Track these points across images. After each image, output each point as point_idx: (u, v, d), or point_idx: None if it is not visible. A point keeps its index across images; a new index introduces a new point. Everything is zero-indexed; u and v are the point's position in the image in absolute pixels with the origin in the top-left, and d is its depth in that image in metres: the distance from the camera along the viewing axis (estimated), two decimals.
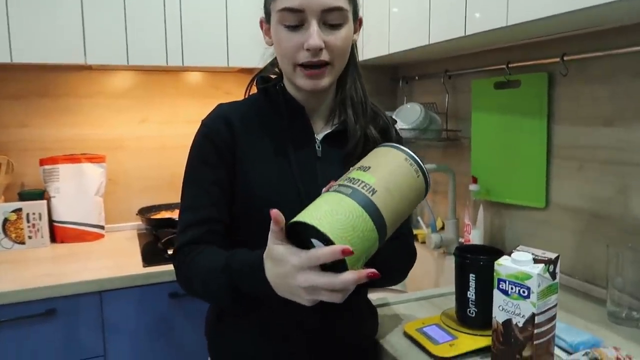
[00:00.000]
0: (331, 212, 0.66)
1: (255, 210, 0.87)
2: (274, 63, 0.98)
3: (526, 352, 0.85)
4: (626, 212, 1.19)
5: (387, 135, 0.97)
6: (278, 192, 0.87)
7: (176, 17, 1.77)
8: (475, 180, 1.56)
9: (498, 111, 1.54)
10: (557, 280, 0.88)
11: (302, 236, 0.68)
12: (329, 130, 0.93)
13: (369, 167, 0.72)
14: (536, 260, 0.86)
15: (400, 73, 2.07)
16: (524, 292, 0.84)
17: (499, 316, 0.88)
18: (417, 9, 1.42)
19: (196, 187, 0.89)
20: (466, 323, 1.02)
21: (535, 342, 0.85)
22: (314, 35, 0.82)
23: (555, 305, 0.88)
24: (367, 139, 0.93)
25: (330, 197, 0.69)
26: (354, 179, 0.71)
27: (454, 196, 1.64)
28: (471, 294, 0.99)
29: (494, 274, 0.88)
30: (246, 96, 0.99)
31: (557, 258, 0.88)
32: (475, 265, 0.98)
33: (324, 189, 0.75)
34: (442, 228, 1.80)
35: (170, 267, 1.57)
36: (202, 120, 0.92)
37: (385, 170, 0.72)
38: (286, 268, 0.67)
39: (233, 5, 1.85)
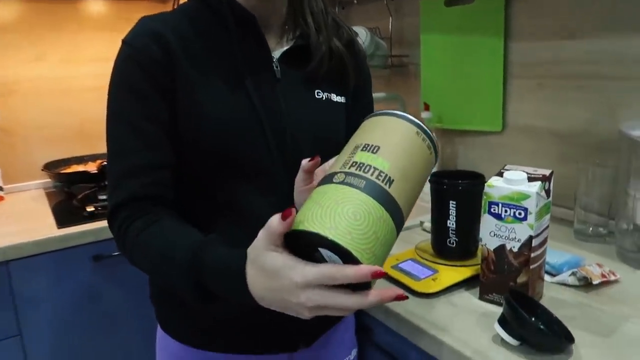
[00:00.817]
0: (347, 215, 0.48)
1: (208, 151, 0.69)
2: None
3: (521, 279, 0.78)
4: (589, 128, 1.15)
5: (353, 49, 0.82)
6: (236, 125, 0.70)
7: None
8: (427, 107, 1.47)
9: (449, 31, 1.43)
10: (550, 198, 0.80)
11: (303, 241, 0.50)
12: (286, 47, 0.75)
13: (378, 147, 0.54)
14: (530, 179, 0.77)
15: None
16: (520, 214, 0.76)
17: (490, 243, 0.80)
18: None
19: (125, 126, 0.69)
20: (445, 255, 0.93)
21: (531, 267, 0.77)
22: None
23: (548, 226, 0.81)
24: (331, 54, 0.77)
25: (341, 193, 0.50)
26: (362, 164, 0.53)
27: None
28: (451, 222, 0.90)
29: (484, 197, 0.79)
30: (175, 6, 0.78)
31: (551, 174, 0.80)
32: (455, 190, 0.89)
33: (317, 170, 0.62)
34: None
35: (92, 225, 1.35)
36: (124, 40, 0.70)
37: (398, 151, 0.54)
38: (284, 283, 0.51)
39: None
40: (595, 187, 1.06)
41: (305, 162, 0.61)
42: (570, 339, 0.68)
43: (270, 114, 0.71)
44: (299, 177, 0.63)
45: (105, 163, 0.72)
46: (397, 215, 0.52)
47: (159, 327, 0.82)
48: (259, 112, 0.70)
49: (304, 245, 0.50)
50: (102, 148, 1.90)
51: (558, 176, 1.23)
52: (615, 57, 1.08)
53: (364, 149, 0.54)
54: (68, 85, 1.82)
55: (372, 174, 0.52)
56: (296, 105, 0.74)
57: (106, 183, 0.75)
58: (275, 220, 0.50)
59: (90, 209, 1.40)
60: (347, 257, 0.48)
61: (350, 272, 0.47)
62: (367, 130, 0.57)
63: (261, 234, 0.52)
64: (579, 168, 1.08)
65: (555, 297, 0.84)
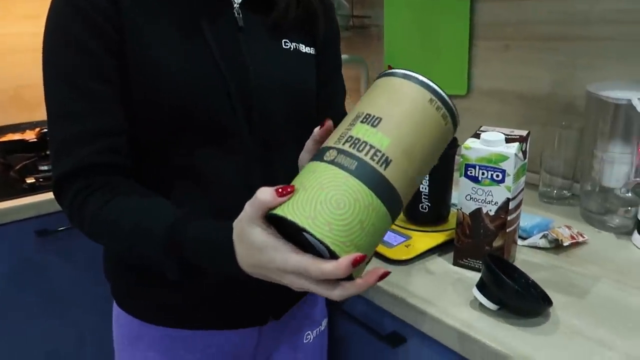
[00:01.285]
0: (329, 204, 0.44)
1: (164, 111, 0.62)
2: None
3: (497, 243, 0.76)
4: (555, 90, 1.14)
5: None
6: (194, 80, 0.62)
7: None
8: (390, 69, 1.42)
9: None
10: (526, 160, 0.78)
11: (285, 224, 0.46)
12: None
13: (380, 119, 0.47)
14: (508, 139, 0.75)
15: None
16: (497, 176, 0.73)
17: (465, 207, 0.77)
18: None
19: (68, 85, 0.60)
20: (417, 220, 0.90)
21: (507, 230, 0.75)
22: None
23: (523, 189, 0.79)
24: (298, 1, 0.70)
25: (328, 175, 0.45)
26: (358, 140, 0.47)
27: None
28: (424, 187, 0.87)
29: (461, 159, 0.76)
30: None
31: (528, 134, 0.78)
32: None
33: (308, 143, 0.55)
34: None
35: (33, 199, 1.24)
36: None
37: (404, 124, 0.47)
38: (269, 265, 0.47)
39: None
40: (561, 150, 1.06)
41: (316, 130, 0.53)
42: (548, 301, 0.67)
43: (233, 67, 0.64)
44: (308, 145, 0.55)
45: (46, 130, 0.63)
46: (392, 200, 0.46)
47: (115, 305, 0.75)
48: (220, 65, 0.63)
49: (288, 227, 0.45)
50: (42, 115, 1.74)
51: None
52: (581, 17, 1.07)
53: (365, 120, 0.47)
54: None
55: (366, 153, 0.46)
56: (262, 57, 0.67)
57: (48, 152, 0.66)
58: (268, 194, 0.45)
59: (30, 180, 1.28)
60: (328, 250, 0.44)
61: (327, 269, 0.43)
62: (374, 95, 0.50)
63: (248, 206, 0.47)
64: (545, 131, 1.08)
65: (527, 260, 0.83)
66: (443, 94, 0.49)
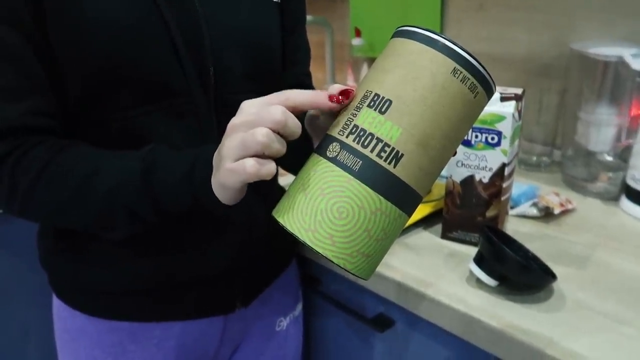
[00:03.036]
0: (330, 213, 0.38)
1: (96, 68, 0.50)
2: None
3: (490, 212, 0.70)
4: (533, 51, 1.08)
5: None
6: (133, 32, 0.50)
7: None
8: (358, 33, 1.33)
9: None
10: (521, 120, 0.71)
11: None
12: None
13: (389, 103, 0.39)
14: (503, 98, 0.68)
15: None
16: (493, 139, 0.66)
17: (456, 174, 0.70)
18: None
19: None
20: None
21: (502, 198, 0.69)
22: None
23: (517, 153, 0.73)
24: None
25: (329, 178, 0.39)
26: (364, 132, 0.39)
27: (333, 57, 1.40)
28: None
29: None
30: None
31: (523, 92, 0.71)
32: None
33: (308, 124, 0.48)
34: None
35: None
36: None
37: (419, 108, 0.38)
38: (250, 110, 0.41)
39: None
40: (541, 115, 1.01)
41: (334, 92, 0.41)
42: (552, 275, 0.61)
43: (180, 15, 0.53)
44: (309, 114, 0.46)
45: None
46: (406, 198, 0.39)
47: (54, 296, 0.64)
48: (165, 13, 0.51)
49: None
50: None
51: None
52: None
53: (372, 103, 0.39)
54: None
55: (372, 149, 0.38)
56: (216, 3, 0.56)
57: None
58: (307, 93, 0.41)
59: None
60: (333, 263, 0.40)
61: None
62: (385, 65, 0.40)
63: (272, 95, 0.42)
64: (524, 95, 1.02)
65: (517, 230, 0.77)
66: (471, 60, 0.39)
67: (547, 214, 0.80)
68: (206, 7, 0.55)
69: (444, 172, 0.83)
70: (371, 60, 1.36)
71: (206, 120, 0.56)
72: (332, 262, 0.39)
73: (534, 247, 0.71)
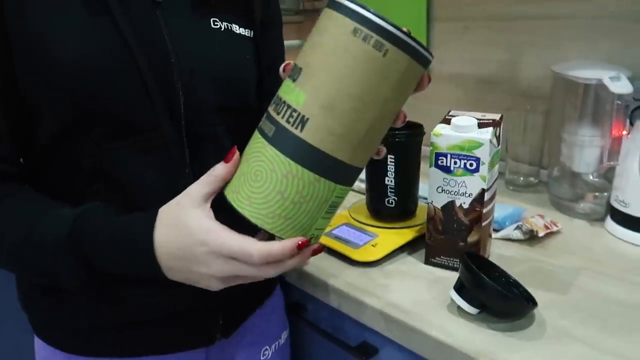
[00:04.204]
0: (249, 177, 0.43)
1: (62, 107, 0.51)
2: None
3: (472, 238, 0.70)
4: (517, 73, 1.09)
5: None
6: (99, 68, 0.51)
7: None
8: None
9: None
10: (500, 146, 0.72)
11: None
12: None
13: (300, 70, 0.41)
14: (481, 124, 0.68)
15: None
16: (471, 165, 0.66)
17: (437, 200, 0.70)
18: None
19: None
20: (383, 216, 0.82)
21: (483, 224, 0.69)
22: None
23: (497, 178, 0.73)
24: None
25: (252, 146, 0.45)
26: (279, 100, 0.43)
27: None
28: (390, 179, 0.79)
29: (430, 147, 0.69)
30: None
31: (501, 118, 0.71)
32: (393, 143, 0.77)
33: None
34: None
35: None
36: None
37: (320, 71, 0.39)
38: (197, 249, 0.45)
39: None
40: (527, 135, 1.02)
41: (281, 70, 0.46)
42: (532, 302, 0.61)
43: (149, 51, 0.53)
44: None
45: None
46: (323, 163, 0.41)
47: (35, 336, 0.64)
48: (133, 48, 0.51)
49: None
50: None
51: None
52: None
53: (291, 73, 0.43)
54: None
55: (283, 115, 0.41)
56: (186, 37, 0.56)
57: None
58: (219, 166, 0.46)
59: None
60: (249, 222, 0.43)
61: (265, 251, 0.43)
62: (309, 36, 0.43)
63: (194, 186, 0.47)
64: (509, 116, 1.03)
65: (501, 254, 0.77)
66: (372, 17, 0.38)
67: (532, 237, 0.80)
68: (177, 43, 0.55)
69: (422, 194, 0.83)
70: None
71: (177, 154, 0.56)
72: (250, 222, 0.42)
73: (517, 271, 0.71)
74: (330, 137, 0.40)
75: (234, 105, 0.61)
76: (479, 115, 0.71)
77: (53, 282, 0.51)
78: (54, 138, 0.53)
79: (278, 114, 0.42)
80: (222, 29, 0.60)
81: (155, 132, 0.54)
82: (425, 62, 0.42)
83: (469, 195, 0.67)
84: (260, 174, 0.42)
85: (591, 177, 0.90)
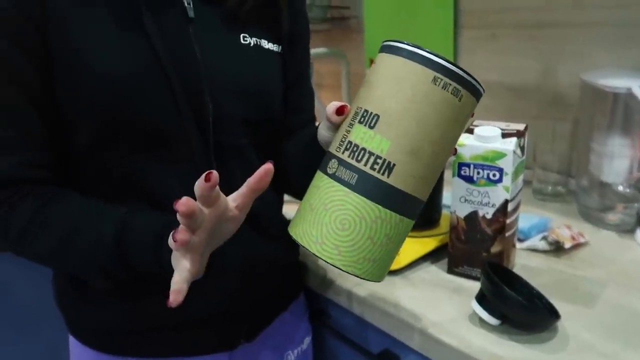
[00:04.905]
0: (334, 226, 0.42)
1: (97, 118, 0.54)
2: None
3: (495, 248, 0.69)
4: (545, 80, 1.08)
5: None
6: (133, 82, 0.53)
7: None
8: (373, 63, 1.35)
9: None
10: (525, 156, 0.71)
11: None
12: None
13: (377, 117, 0.42)
14: (505, 134, 0.68)
15: None
16: (494, 175, 0.66)
17: (460, 210, 0.70)
18: None
19: None
20: None
21: (506, 235, 0.69)
22: None
23: (521, 188, 0.73)
24: None
25: (330, 193, 0.43)
26: (357, 147, 0.42)
27: (349, 86, 1.42)
28: None
29: (454, 157, 0.69)
30: None
31: (526, 128, 0.71)
32: None
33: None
34: None
35: None
36: None
37: (404, 119, 0.41)
38: None
39: None
40: (555, 144, 1.00)
41: (331, 111, 0.45)
42: (555, 314, 0.60)
43: (180, 66, 0.55)
44: (325, 124, 0.49)
45: None
46: (406, 204, 0.42)
47: (69, 335, 0.67)
48: (165, 64, 0.54)
49: None
50: None
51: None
52: (569, 1, 1.01)
53: (362, 119, 0.42)
54: None
55: (366, 163, 0.41)
56: (216, 53, 0.59)
57: None
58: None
59: None
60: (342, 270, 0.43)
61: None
62: (372, 81, 0.43)
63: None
64: (537, 124, 1.02)
65: (526, 264, 0.77)
66: (449, 66, 0.41)
67: (558, 248, 0.79)
68: (207, 56, 0.57)
69: (446, 202, 0.83)
70: None
71: (203, 165, 0.58)
72: (341, 270, 0.42)
73: (541, 282, 0.70)
74: (413, 179, 0.42)
75: (260, 118, 0.63)
76: (503, 125, 0.71)
77: (92, 279, 0.54)
78: (87, 148, 0.56)
79: (359, 161, 0.42)
80: (252, 45, 0.62)
81: (183, 144, 0.57)
82: (480, 98, 0.44)
83: (492, 205, 0.67)
84: (347, 222, 0.42)
85: (621, 188, 0.88)
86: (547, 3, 1.04)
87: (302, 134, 0.66)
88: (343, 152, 0.43)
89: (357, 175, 0.41)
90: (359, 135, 0.42)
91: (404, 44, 0.42)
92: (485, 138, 0.66)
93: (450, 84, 0.41)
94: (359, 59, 1.47)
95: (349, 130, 0.43)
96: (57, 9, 0.51)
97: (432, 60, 0.41)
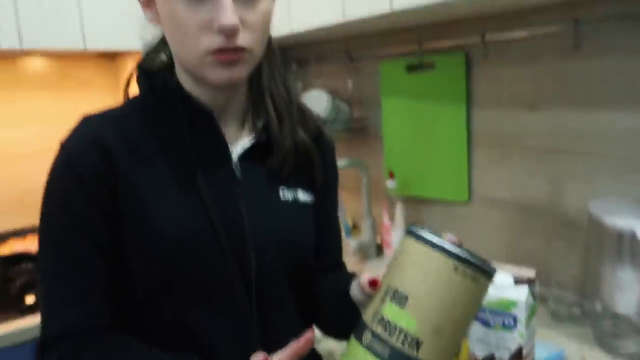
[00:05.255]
0: None
1: (154, 271, 0.62)
2: (159, 49, 0.71)
3: None
4: (555, 201, 1.15)
5: (320, 140, 0.76)
6: (189, 241, 0.61)
7: None
8: (392, 176, 1.44)
9: (411, 96, 1.42)
10: (537, 300, 0.77)
11: None
12: (247, 143, 0.68)
13: (407, 298, 0.50)
14: (517, 281, 0.74)
15: (291, 54, 1.86)
16: (509, 322, 0.72)
17: (478, 350, 0.75)
18: None
19: (60, 247, 0.61)
20: None
21: None
22: (227, 10, 0.57)
23: (535, 330, 0.78)
24: (297, 148, 0.71)
25: None
26: (389, 323, 0.50)
27: (368, 194, 1.51)
28: None
29: None
30: (124, 100, 0.70)
31: (536, 274, 0.77)
32: None
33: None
34: (353, 227, 1.66)
35: (35, 320, 1.20)
36: (61, 142, 0.62)
37: (430, 302, 0.50)
38: None
39: None
40: (569, 264, 1.05)
41: (364, 283, 0.54)
42: None
43: (229, 225, 0.63)
44: (357, 287, 0.56)
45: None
46: None
47: None
48: (214, 219, 0.62)
49: None
50: None
51: (526, 250, 1.22)
52: (575, 132, 1.09)
53: (394, 298, 0.50)
54: (4, 151, 1.68)
55: (397, 339, 0.48)
56: (259, 211, 0.66)
57: None
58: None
59: (30, 299, 1.26)
60: None
61: None
62: (403, 263, 0.51)
63: None
64: (549, 245, 1.07)
65: None
66: (469, 257, 0.49)
67: None
68: (251, 214, 0.65)
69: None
70: (405, 200, 1.45)
71: (246, 313, 0.64)
72: None
73: None
74: (440, 353, 0.49)
75: (297, 268, 0.70)
76: (514, 271, 0.77)
77: None
78: (144, 295, 0.63)
79: (391, 336, 0.49)
80: (290, 200, 0.70)
81: (228, 294, 0.63)
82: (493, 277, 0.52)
83: (507, 349, 0.72)
84: None
85: (634, 318, 0.91)
86: (553, 131, 1.13)
87: (334, 282, 0.72)
88: (377, 326, 0.50)
89: (389, 350, 0.48)
90: (391, 312, 0.50)
91: (429, 234, 0.50)
92: (499, 287, 0.72)
93: (468, 272, 0.49)
94: (379, 165, 1.56)
95: (382, 306, 0.50)
96: (127, 176, 0.61)
97: (453, 252, 0.49)
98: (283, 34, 1.38)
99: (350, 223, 1.66)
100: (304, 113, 0.74)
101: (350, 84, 1.61)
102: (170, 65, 0.68)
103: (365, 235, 1.50)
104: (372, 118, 1.58)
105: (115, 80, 1.89)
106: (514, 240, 1.24)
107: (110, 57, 1.84)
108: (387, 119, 1.50)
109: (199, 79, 0.63)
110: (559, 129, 1.12)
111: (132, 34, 1.49)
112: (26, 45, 1.39)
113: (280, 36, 1.39)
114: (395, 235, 1.40)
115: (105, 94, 1.86)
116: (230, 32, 0.57)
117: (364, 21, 1.17)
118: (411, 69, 1.40)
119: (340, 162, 1.44)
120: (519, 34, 1.12)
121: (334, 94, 1.60)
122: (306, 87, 1.77)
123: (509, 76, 1.20)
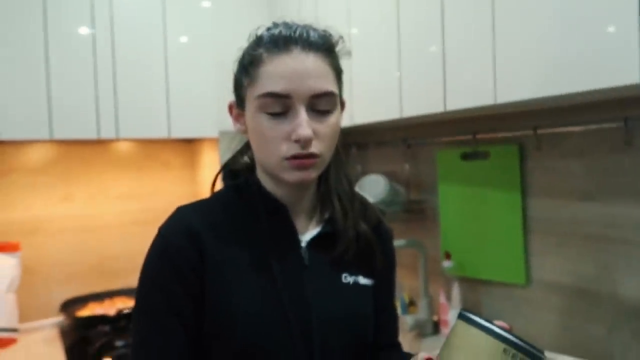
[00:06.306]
0: None
1: (228, 344, 0.70)
2: (243, 152, 0.84)
3: None
4: (618, 290, 1.15)
5: (380, 230, 0.84)
6: (262, 319, 0.70)
7: (108, 82, 1.58)
8: (448, 256, 1.48)
9: (467, 182, 1.49)
10: None
11: None
12: (314, 233, 0.78)
13: None
14: None
15: (351, 139, 1.99)
16: None
17: None
18: (386, 79, 1.35)
19: (151, 322, 0.72)
20: None
21: None
22: (304, 124, 0.69)
23: None
24: (358, 238, 0.79)
25: None
26: None
27: (426, 273, 1.55)
28: None
29: None
30: (211, 193, 0.83)
31: None
32: None
33: None
34: (410, 304, 1.69)
35: None
36: (160, 230, 0.74)
37: None
38: None
39: (174, 69, 1.69)
40: (632, 355, 1.04)
41: None
42: None
43: (295, 304, 0.71)
44: None
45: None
46: None
47: None
48: (284, 302, 0.71)
49: None
50: (119, 284, 1.90)
51: (587, 337, 1.20)
52: (633, 222, 1.11)
53: None
54: (90, 223, 1.86)
55: None
56: (323, 293, 0.74)
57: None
58: None
59: None
60: None
61: None
62: (454, 347, 0.57)
63: None
64: (611, 336, 1.07)
65: None
66: (517, 341, 0.54)
67: None
68: (316, 299, 0.73)
69: None
70: (462, 280, 1.49)
71: None
72: None
73: None
74: None
75: (357, 346, 0.76)
76: None
77: None
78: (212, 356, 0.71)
79: None
80: (351, 283, 0.78)
81: None
82: None
83: None
84: None
85: None
86: (613, 221, 1.15)
87: None
88: None
89: None
90: None
91: (481, 319, 0.56)
92: None
93: (517, 355, 0.54)
94: (435, 245, 1.61)
95: None
96: (213, 258, 0.71)
97: (503, 335, 0.55)
98: (344, 126, 1.51)
99: (407, 300, 1.69)
100: (365, 206, 0.83)
101: (407, 167, 1.70)
102: (251, 166, 0.80)
103: (421, 312, 1.53)
104: (429, 201, 1.65)
105: (191, 161, 2.09)
106: (574, 326, 1.23)
107: (188, 140, 2.05)
108: (444, 202, 1.57)
109: (276, 179, 0.74)
110: (614, 219, 1.15)
111: (210, 123, 1.68)
112: (122, 135, 1.60)
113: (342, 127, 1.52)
114: (452, 315, 1.42)
115: (183, 172, 2.05)
116: (305, 143, 0.69)
117: (420, 116, 1.28)
118: (466, 157, 1.48)
119: (399, 242, 1.51)
120: (571, 128, 1.19)
121: (391, 176, 1.70)
122: (365, 170, 1.88)
123: (562, 167, 1.25)
